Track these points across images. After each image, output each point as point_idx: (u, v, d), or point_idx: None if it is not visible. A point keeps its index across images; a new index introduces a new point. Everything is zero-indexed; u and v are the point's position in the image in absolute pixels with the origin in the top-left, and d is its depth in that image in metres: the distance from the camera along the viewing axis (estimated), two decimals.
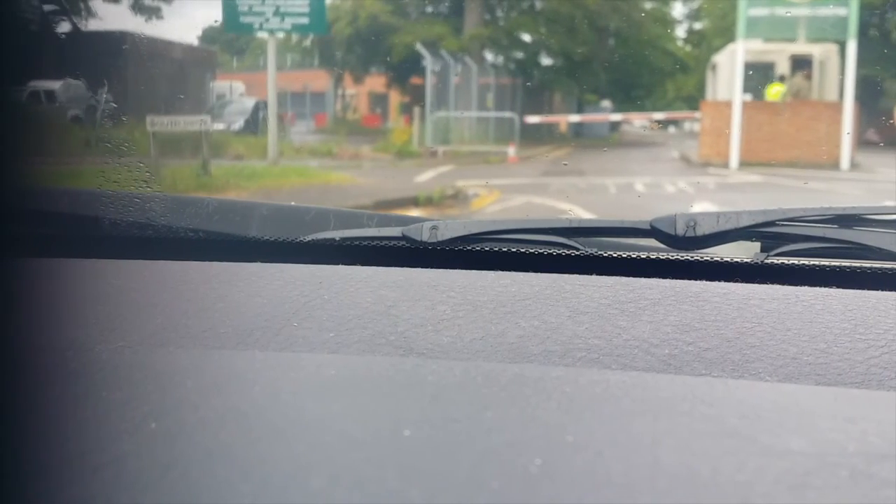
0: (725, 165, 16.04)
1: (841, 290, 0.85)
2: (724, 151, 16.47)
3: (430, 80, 17.77)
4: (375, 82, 24.64)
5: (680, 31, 31.66)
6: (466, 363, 0.66)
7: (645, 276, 0.88)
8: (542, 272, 0.89)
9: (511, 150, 15.83)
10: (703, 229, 0.97)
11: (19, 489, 0.39)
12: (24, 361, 0.43)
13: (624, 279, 0.87)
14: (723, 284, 0.86)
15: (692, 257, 0.96)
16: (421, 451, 0.48)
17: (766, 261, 0.94)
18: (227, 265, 0.92)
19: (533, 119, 20.24)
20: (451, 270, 0.91)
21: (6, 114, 0.39)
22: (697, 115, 18.75)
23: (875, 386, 0.66)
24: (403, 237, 0.99)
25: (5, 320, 0.40)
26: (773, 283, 0.88)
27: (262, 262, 0.94)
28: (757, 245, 1.00)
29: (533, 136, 19.77)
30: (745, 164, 15.94)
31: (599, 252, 0.96)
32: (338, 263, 0.93)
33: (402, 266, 0.92)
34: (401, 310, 0.80)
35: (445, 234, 0.98)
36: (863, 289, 0.85)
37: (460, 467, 0.46)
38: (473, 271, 0.90)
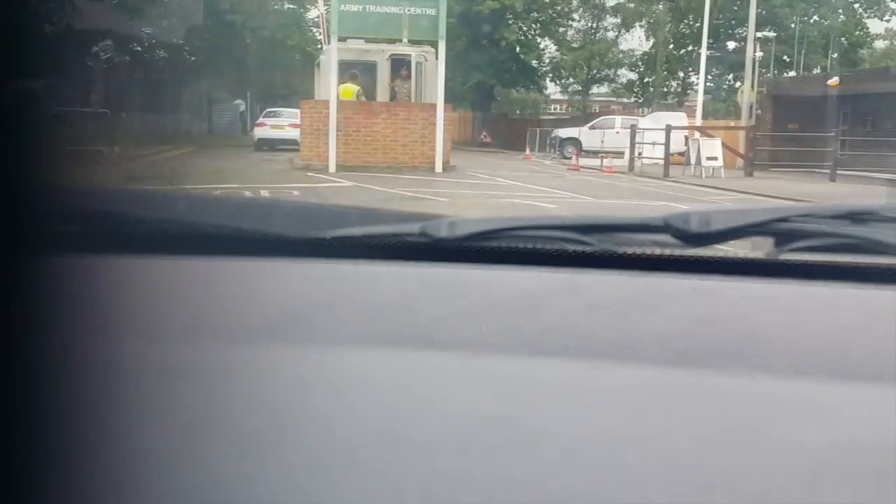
0: (326, 169, 15.20)
1: (855, 286, 0.85)
2: (324, 154, 15.60)
3: None
4: None
5: (318, 32, 31.18)
6: (486, 357, 0.67)
7: (659, 272, 0.89)
8: (558, 268, 0.90)
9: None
10: (717, 226, 0.94)
11: (53, 476, 0.40)
12: (55, 355, 0.42)
13: (639, 275, 0.88)
14: (737, 280, 0.87)
15: (706, 253, 0.95)
16: (441, 443, 0.49)
17: (780, 257, 0.93)
18: (251, 261, 0.93)
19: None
20: (469, 266, 0.91)
21: (33, 111, 0.37)
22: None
23: (891, 381, 0.64)
24: (422, 233, 0.98)
25: (38, 317, 0.38)
26: (787, 278, 0.88)
27: (285, 258, 0.95)
28: (771, 241, 0.97)
29: (150, 135, 17.88)
30: (343, 166, 15.23)
31: (614, 248, 0.95)
32: (358, 259, 0.94)
33: (421, 262, 0.94)
34: (421, 305, 0.79)
35: (463, 230, 0.96)
36: (878, 284, 0.86)
37: (479, 459, 0.47)
38: (491, 267, 0.91)
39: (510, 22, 35.73)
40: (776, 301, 0.82)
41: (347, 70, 17.15)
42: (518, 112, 48.46)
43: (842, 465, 0.47)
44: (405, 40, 17.08)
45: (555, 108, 51.75)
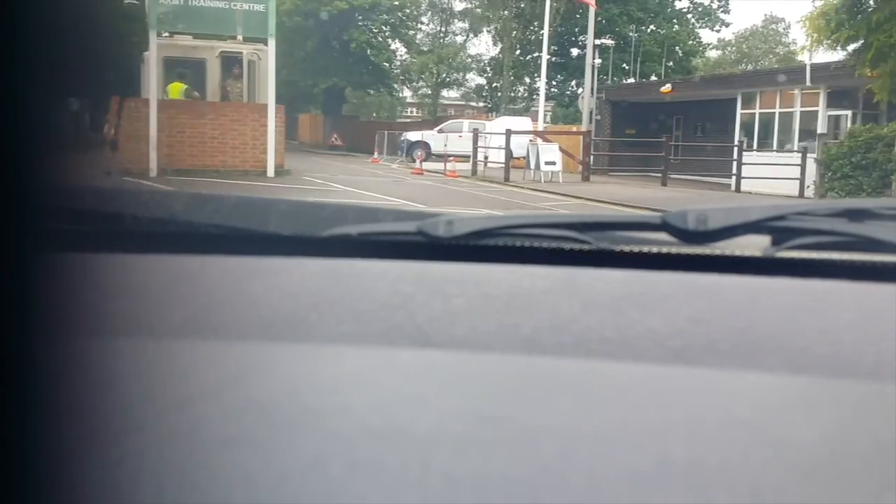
0: (146, 173, 14.13)
1: (851, 283, 0.86)
2: (144, 157, 14.51)
3: None
4: None
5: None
6: (481, 355, 0.67)
7: (657, 270, 0.90)
8: (555, 266, 0.90)
9: None
10: (714, 223, 0.94)
11: (50, 474, 0.41)
12: (50, 353, 0.41)
13: (636, 272, 0.88)
14: (734, 277, 0.88)
15: (703, 251, 0.96)
16: (437, 441, 0.49)
17: (777, 254, 0.93)
18: (247, 259, 0.93)
19: None
20: (465, 264, 0.92)
21: (36, 110, 0.37)
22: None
23: (885, 378, 0.65)
24: (419, 232, 0.98)
25: (33, 314, 0.38)
26: (783, 276, 0.88)
27: (281, 256, 0.95)
28: (768, 239, 0.97)
29: None
30: (166, 171, 14.22)
31: (611, 246, 0.95)
32: (355, 257, 0.94)
33: (418, 260, 0.94)
34: (417, 303, 0.79)
35: (460, 228, 0.96)
36: (873, 282, 0.87)
37: (475, 456, 0.47)
38: (488, 265, 0.91)
39: (360, 23, 35.21)
40: (773, 298, 0.83)
41: (175, 68, 16.12)
42: (375, 115, 48.03)
43: (837, 461, 0.48)
44: (240, 37, 16.22)
45: (411, 112, 51.68)
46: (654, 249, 0.94)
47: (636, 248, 0.94)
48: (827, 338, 0.72)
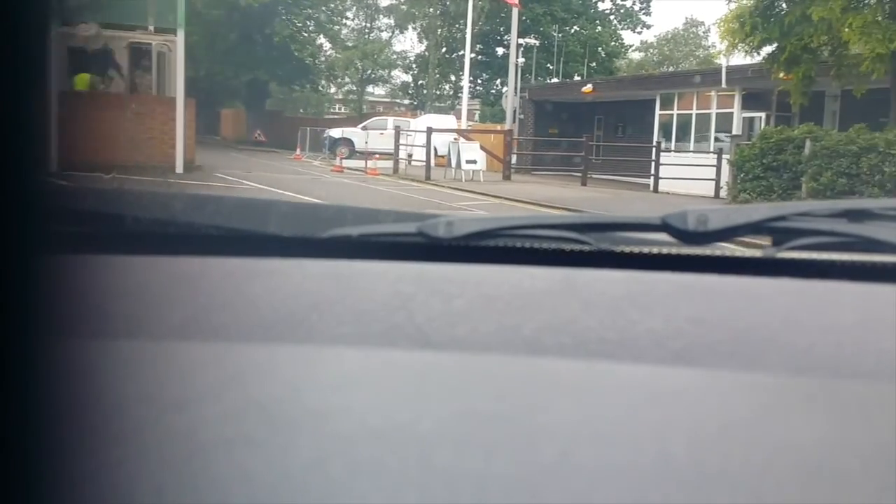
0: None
1: (852, 284, 0.87)
2: (46, 154, 13.78)
3: None
4: None
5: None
6: (482, 356, 0.67)
7: (657, 271, 0.90)
8: (555, 266, 0.91)
9: None
10: (715, 224, 0.95)
11: (50, 475, 0.41)
12: (50, 354, 0.41)
13: (636, 273, 0.89)
14: (734, 278, 0.88)
15: (704, 252, 0.96)
16: (438, 442, 0.49)
17: (777, 255, 0.94)
18: (247, 261, 0.93)
19: None
20: (466, 265, 0.92)
21: (38, 112, 0.37)
22: None
23: (886, 379, 0.65)
24: (419, 233, 0.98)
25: (34, 314, 0.38)
26: (784, 276, 0.89)
27: (281, 257, 0.95)
28: (768, 239, 0.98)
29: None
30: (69, 166, 13.53)
31: (611, 247, 0.96)
32: (355, 258, 0.95)
33: (418, 261, 0.94)
34: (417, 304, 0.80)
35: (461, 229, 0.97)
36: (873, 282, 0.87)
37: (475, 456, 0.48)
38: (488, 266, 0.92)
39: (283, 17, 34.52)
40: (773, 299, 0.83)
41: (82, 58, 15.41)
42: (301, 111, 47.23)
43: (838, 462, 0.48)
44: (151, 28, 15.60)
45: (339, 108, 51.02)
46: (655, 250, 0.94)
47: (636, 249, 0.94)
48: (827, 338, 0.72)
